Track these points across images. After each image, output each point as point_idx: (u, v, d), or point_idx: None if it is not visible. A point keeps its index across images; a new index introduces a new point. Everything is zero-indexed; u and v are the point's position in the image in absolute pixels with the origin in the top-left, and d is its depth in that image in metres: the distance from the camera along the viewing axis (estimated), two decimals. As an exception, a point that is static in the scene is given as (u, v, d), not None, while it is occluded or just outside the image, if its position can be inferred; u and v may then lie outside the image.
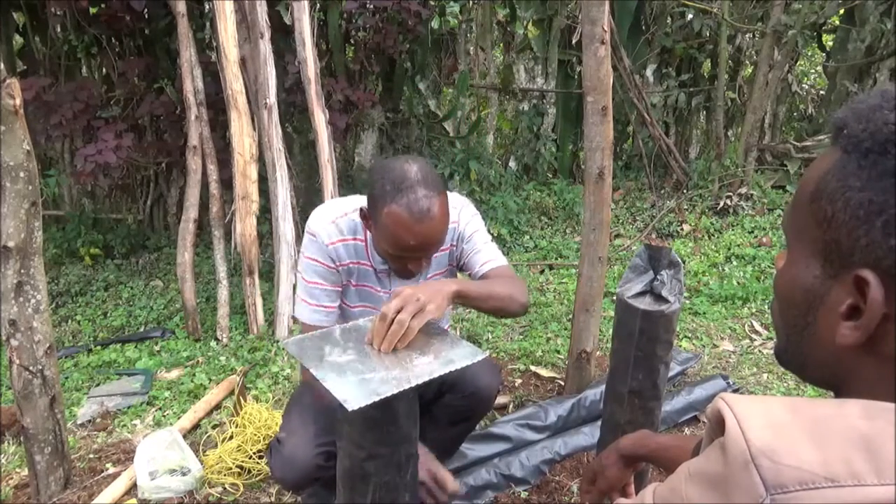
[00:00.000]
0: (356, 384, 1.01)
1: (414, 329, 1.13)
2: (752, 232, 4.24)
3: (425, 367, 1.07)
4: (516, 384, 2.58)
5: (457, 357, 1.10)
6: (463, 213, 1.58)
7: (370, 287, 1.57)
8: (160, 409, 2.52)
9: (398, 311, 1.12)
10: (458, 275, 1.70)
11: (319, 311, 1.53)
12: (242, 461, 2.07)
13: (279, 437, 1.48)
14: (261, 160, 3.21)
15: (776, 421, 0.46)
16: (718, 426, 0.49)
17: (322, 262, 1.49)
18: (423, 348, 1.14)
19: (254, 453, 2.10)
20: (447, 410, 1.68)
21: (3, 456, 2.21)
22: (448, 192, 1.56)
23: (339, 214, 1.51)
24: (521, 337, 3.07)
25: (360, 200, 1.56)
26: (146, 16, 3.87)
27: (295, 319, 3.19)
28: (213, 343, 3.10)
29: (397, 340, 1.13)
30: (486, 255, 1.54)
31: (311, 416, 1.48)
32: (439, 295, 1.20)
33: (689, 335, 3.04)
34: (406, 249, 1.33)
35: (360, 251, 1.52)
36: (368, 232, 1.49)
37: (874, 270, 0.49)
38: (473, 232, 1.57)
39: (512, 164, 5.25)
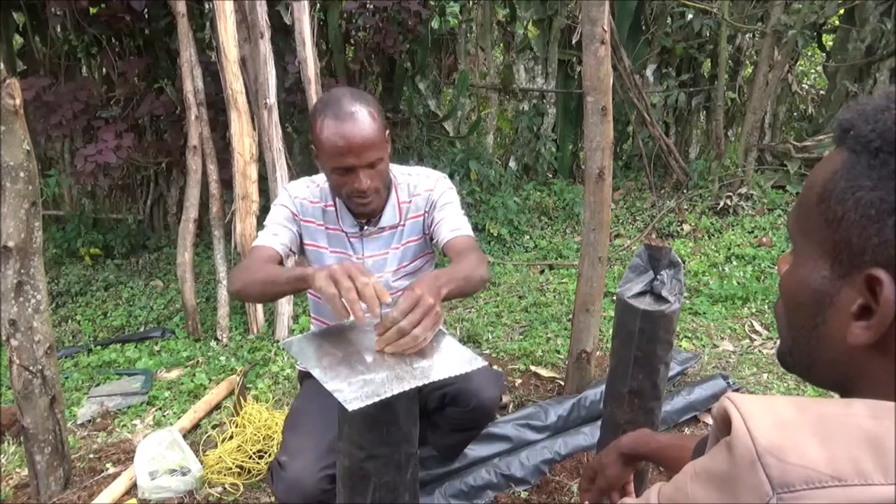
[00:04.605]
0: (356, 385, 1.01)
1: (428, 340, 1.12)
2: (752, 232, 4.24)
3: (425, 370, 1.07)
4: (516, 384, 2.58)
5: (456, 362, 1.10)
6: (439, 183, 1.62)
7: (344, 252, 1.60)
8: (160, 409, 2.52)
9: (415, 324, 1.09)
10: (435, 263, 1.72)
11: (272, 238, 1.54)
12: (242, 461, 2.07)
13: (280, 459, 1.45)
14: (261, 160, 3.21)
15: (783, 420, 0.46)
16: (724, 425, 0.49)
17: (286, 206, 1.58)
18: (424, 350, 1.13)
19: (254, 453, 2.10)
20: (449, 421, 1.68)
21: (3, 456, 2.21)
22: (427, 168, 1.67)
23: (314, 183, 1.61)
24: (521, 337, 3.07)
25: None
26: (146, 16, 3.86)
27: (296, 319, 3.20)
28: (213, 343, 3.10)
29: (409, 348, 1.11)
30: (453, 223, 1.57)
31: (314, 438, 1.46)
32: (439, 299, 1.19)
33: (689, 335, 3.03)
34: (340, 154, 1.38)
35: (331, 217, 1.58)
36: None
37: (886, 269, 0.49)
38: (447, 203, 1.60)
39: (512, 164, 5.25)
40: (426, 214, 1.61)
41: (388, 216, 1.58)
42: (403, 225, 1.61)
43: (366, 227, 1.59)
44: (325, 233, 1.59)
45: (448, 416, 1.65)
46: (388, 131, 1.50)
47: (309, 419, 1.53)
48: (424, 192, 1.60)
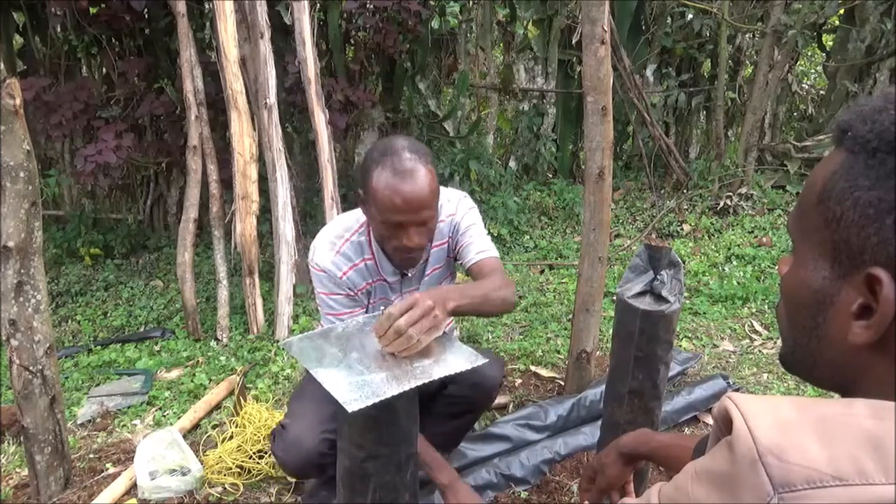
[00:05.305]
0: (356, 385, 1.01)
1: (424, 344, 1.11)
2: (752, 232, 4.24)
3: (425, 369, 1.07)
4: (516, 384, 2.58)
5: (456, 361, 1.10)
6: (461, 206, 1.60)
7: (385, 298, 1.60)
8: (160, 409, 2.52)
9: (412, 324, 1.09)
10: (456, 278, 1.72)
11: None
12: (242, 461, 2.06)
13: (283, 422, 1.51)
14: (261, 160, 3.21)
15: (784, 419, 0.46)
16: (725, 425, 0.49)
17: (342, 292, 1.51)
18: (424, 350, 1.13)
19: (254, 453, 2.10)
20: (449, 402, 1.68)
21: (3, 456, 2.21)
22: (446, 187, 1.62)
23: (341, 242, 1.52)
24: (521, 337, 3.07)
25: (349, 218, 1.57)
26: (146, 16, 3.86)
27: (296, 319, 3.20)
28: (213, 343, 3.10)
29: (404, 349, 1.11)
30: (478, 245, 1.56)
31: (317, 405, 1.50)
32: (444, 308, 1.19)
33: (689, 335, 3.03)
34: (395, 211, 1.33)
35: (372, 269, 1.55)
36: (372, 239, 1.51)
37: (886, 268, 0.49)
38: (470, 224, 1.58)
39: (512, 164, 5.25)
40: (450, 240, 1.60)
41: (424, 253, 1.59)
42: (429, 255, 1.61)
43: (408, 273, 1.58)
44: (371, 288, 1.58)
45: (448, 394, 1.66)
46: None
47: (313, 390, 1.54)
48: (447, 217, 1.58)
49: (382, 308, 1.15)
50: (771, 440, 0.45)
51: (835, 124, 0.57)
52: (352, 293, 1.52)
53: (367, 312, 1.60)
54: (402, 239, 1.38)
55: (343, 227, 1.54)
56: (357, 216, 1.55)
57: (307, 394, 1.57)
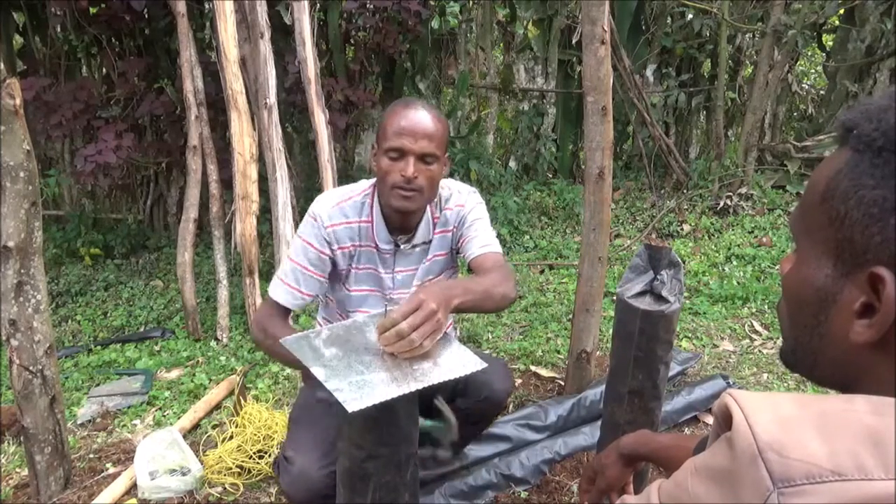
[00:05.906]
0: (356, 385, 1.01)
1: (426, 348, 1.10)
2: (752, 232, 4.24)
3: (425, 372, 1.07)
4: (516, 384, 2.58)
5: (457, 365, 1.09)
6: (470, 199, 1.61)
7: (373, 269, 1.58)
8: (160, 409, 2.52)
9: (415, 328, 1.07)
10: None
11: (294, 294, 1.54)
12: (242, 461, 2.06)
13: (287, 454, 1.47)
14: (261, 160, 3.21)
15: (784, 415, 0.46)
16: (725, 421, 0.49)
17: (315, 245, 1.51)
18: (426, 352, 1.13)
19: (254, 453, 2.10)
20: (458, 414, 1.68)
21: (3, 456, 2.21)
22: (457, 181, 1.65)
23: (345, 198, 1.54)
24: (521, 337, 3.07)
25: (357, 183, 1.60)
26: (146, 16, 3.87)
27: (296, 319, 3.20)
28: (213, 343, 3.10)
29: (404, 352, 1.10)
30: (482, 239, 1.56)
31: (320, 434, 1.47)
32: (446, 309, 1.18)
33: (689, 335, 3.03)
34: (398, 132, 1.40)
35: (365, 233, 1.54)
36: (374, 202, 1.53)
37: (889, 267, 0.49)
38: (477, 219, 1.59)
39: (512, 164, 5.25)
40: (455, 230, 1.60)
41: (423, 232, 1.57)
42: (432, 239, 1.60)
43: (401, 245, 1.56)
44: (355, 252, 1.56)
45: (458, 407, 1.65)
46: (447, 154, 1.50)
47: (315, 414, 1.53)
48: (455, 206, 1.59)
49: (385, 306, 1.14)
50: (771, 436, 0.45)
51: (839, 123, 0.56)
52: (326, 253, 1.51)
53: (346, 278, 1.58)
54: (401, 170, 1.41)
55: (350, 189, 1.57)
56: (366, 183, 1.58)
57: (308, 420, 1.54)
